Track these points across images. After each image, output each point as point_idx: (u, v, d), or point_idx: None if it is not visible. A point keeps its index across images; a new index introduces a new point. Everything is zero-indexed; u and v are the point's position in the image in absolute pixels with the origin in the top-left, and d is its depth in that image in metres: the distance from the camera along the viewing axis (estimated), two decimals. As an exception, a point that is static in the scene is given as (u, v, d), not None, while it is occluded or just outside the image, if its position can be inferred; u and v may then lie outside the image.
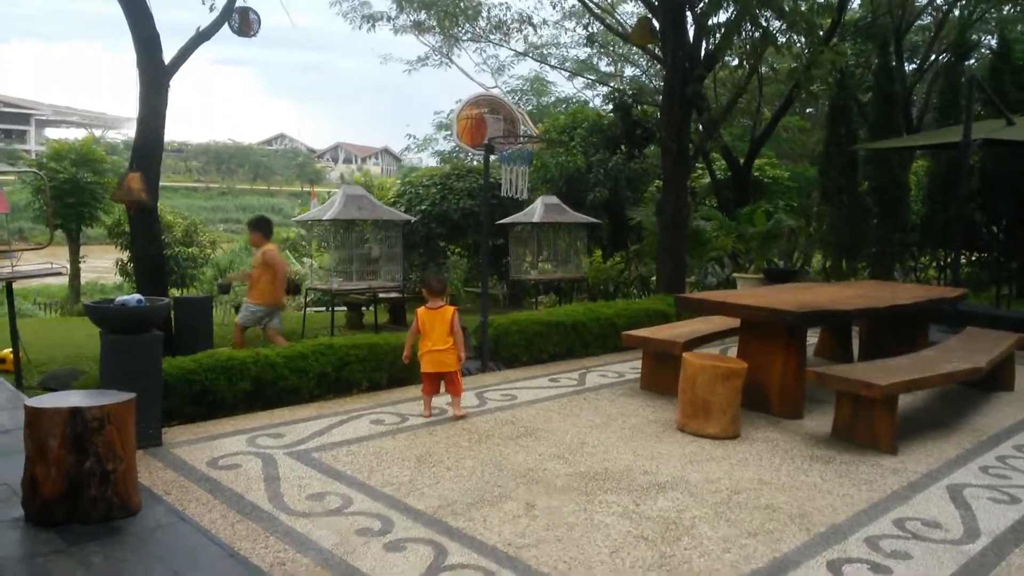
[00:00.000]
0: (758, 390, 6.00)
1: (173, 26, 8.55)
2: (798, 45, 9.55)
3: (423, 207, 15.06)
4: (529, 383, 7.01)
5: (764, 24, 8.91)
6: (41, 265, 7.35)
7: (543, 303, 12.10)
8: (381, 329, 10.65)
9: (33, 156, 20.54)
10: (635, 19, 10.45)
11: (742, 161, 16.59)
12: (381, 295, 10.33)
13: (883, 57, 14.02)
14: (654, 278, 12.50)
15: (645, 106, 17.00)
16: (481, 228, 15.06)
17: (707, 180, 18.84)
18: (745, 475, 4.74)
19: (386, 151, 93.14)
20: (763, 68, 14.94)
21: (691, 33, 9.95)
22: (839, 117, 14.05)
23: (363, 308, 11.26)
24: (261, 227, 7.91)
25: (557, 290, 12.88)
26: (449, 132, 31.47)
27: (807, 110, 25.34)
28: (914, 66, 18.79)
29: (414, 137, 32.61)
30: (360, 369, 6.40)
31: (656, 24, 9.80)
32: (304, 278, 11.27)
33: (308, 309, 11.74)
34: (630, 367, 7.72)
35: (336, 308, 10.14)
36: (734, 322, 7.08)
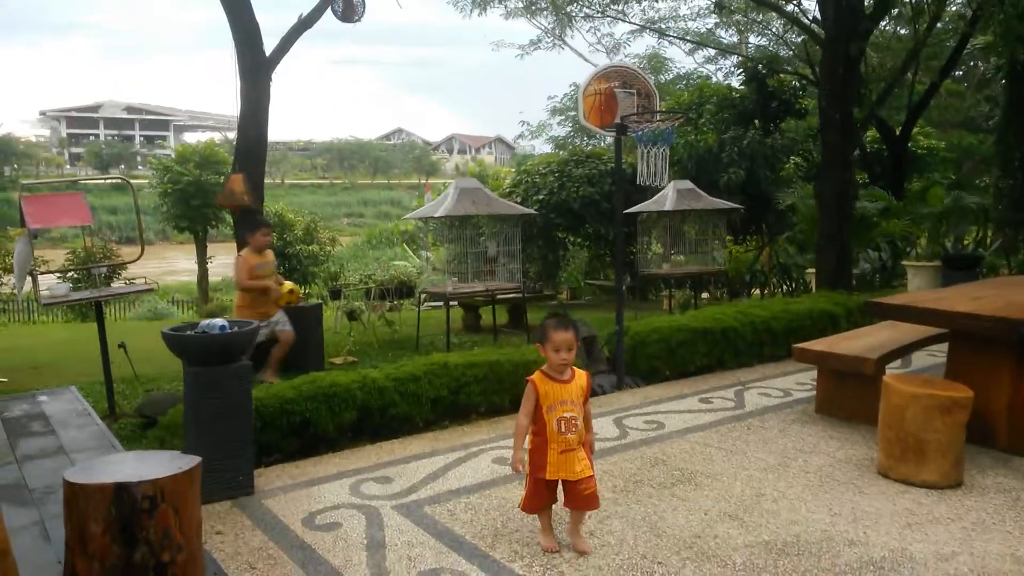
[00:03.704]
0: (977, 418, 4.69)
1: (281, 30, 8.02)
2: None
3: (540, 196, 14.14)
4: (676, 405, 5.94)
5: None
6: (134, 283, 6.83)
7: (677, 298, 10.91)
8: (500, 332, 9.83)
9: (157, 160, 21.02)
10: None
11: (898, 131, 14.64)
12: (500, 296, 9.48)
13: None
14: (809, 270, 10.99)
15: (781, 75, 15.33)
16: (603, 216, 14.14)
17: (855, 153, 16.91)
18: (990, 548, 3.52)
19: (499, 140, 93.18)
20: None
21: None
22: (1021, 74, 12.03)
23: (479, 308, 10.48)
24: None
25: (692, 284, 11.65)
26: (563, 117, 30.54)
27: (957, 72, 22.51)
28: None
29: (528, 124, 31.70)
30: (479, 391, 5.54)
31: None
32: (414, 277, 10.55)
33: (423, 307, 11.08)
34: (795, 382, 6.50)
35: (450, 305, 9.38)
36: (927, 329, 5.77)
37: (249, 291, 6.69)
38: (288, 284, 6.99)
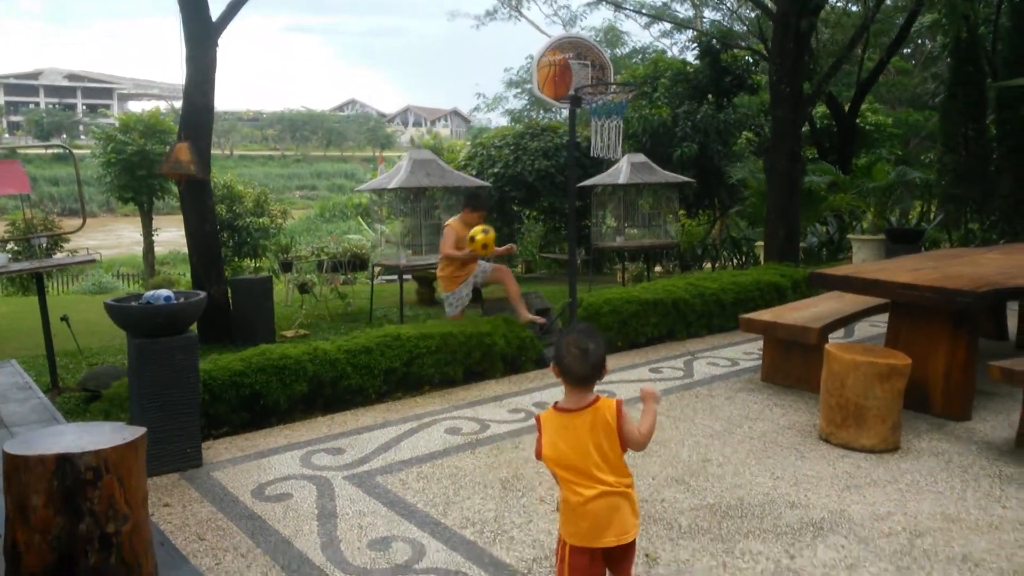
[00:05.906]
0: (914, 385, 4.87)
1: None
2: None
3: (495, 169, 14.11)
4: (627, 375, 6.03)
5: None
6: (76, 255, 6.61)
7: (630, 271, 11.03)
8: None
9: (99, 129, 20.35)
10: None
11: (847, 107, 14.92)
12: (454, 268, 9.44)
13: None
14: (759, 243, 11.19)
15: (734, 51, 15.47)
16: (558, 190, 14.17)
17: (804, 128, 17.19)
18: (922, 507, 3.67)
19: (455, 113, 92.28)
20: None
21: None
22: (966, 52, 12.31)
23: (434, 282, 10.44)
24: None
25: (645, 257, 11.76)
26: (519, 90, 30.37)
27: (905, 50, 22.96)
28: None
29: (484, 96, 31.58)
30: (431, 363, 5.54)
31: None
32: (368, 250, 10.45)
33: (377, 280, 10.99)
34: (743, 352, 6.64)
35: (404, 278, 9.34)
36: (869, 300, 5.94)
37: (452, 260, 6.68)
38: (476, 230, 6.38)
